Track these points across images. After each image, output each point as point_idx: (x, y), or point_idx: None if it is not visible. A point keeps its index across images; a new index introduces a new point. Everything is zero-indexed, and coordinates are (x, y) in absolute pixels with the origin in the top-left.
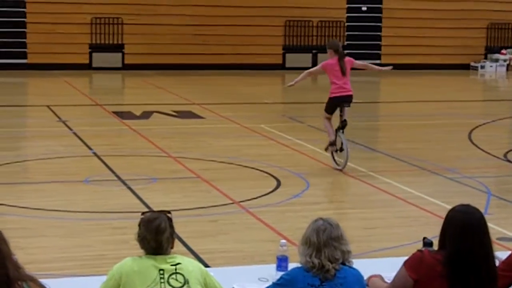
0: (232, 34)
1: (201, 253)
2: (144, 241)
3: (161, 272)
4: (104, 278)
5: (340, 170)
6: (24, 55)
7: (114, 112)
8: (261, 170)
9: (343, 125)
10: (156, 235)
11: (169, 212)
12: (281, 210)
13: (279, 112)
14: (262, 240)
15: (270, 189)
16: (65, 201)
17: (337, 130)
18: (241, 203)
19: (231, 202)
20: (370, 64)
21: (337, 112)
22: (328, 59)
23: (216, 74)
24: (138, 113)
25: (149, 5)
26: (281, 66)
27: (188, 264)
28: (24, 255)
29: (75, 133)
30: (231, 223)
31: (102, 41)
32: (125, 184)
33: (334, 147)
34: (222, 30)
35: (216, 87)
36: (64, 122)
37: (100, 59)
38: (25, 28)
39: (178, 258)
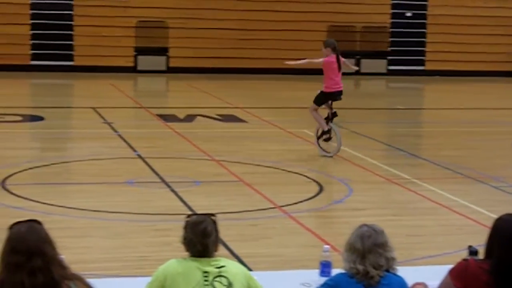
0: (276, 38)
1: (243, 256)
2: (190, 244)
3: (206, 274)
4: (147, 279)
5: (331, 156)
6: (70, 58)
7: (158, 115)
8: (303, 175)
9: (333, 115)
10: (202, 238)
11: (213, 215)
12: (323, 215)
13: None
14: (303, 245)
15: (312, 194)
16: (109, 202)
17: (327, 120)
18: (283, 208)
19: (273, 206)
20: (347, 63)
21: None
22: (325, 57)
23: (259, 79)
24: (182, 116)
25: (194, 9)
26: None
27: (232, 267)
28: (69, 255)
29: (120, 135)
30: (273, 227)
31: (147, 45)
32: (168, 186)
33: (327, 135)
34: (266, 35)
35: (259, 92)
36: (109, 124)
37: (145, 62)
38: (72, 30)
39: (222, 261)
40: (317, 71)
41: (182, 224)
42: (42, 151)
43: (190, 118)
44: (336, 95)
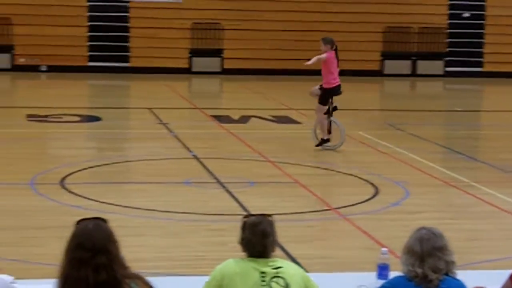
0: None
1: (298, 258)
2: (249, 244)
3: (263, 275)
4: (203, 278)
5: (333, 149)
6: (127, 59)
7: (213, 116)
8: (359, 177)
9: (334, 109)
10: (262, 239)
11: (270, 215)
12: (379, 218)
13: (378, 119)
14: (359, 247)
15: (368, 197)
16: (165, 202)
17: (328, 115)
18: (338, 210)
19: (328, 208)
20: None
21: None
22: (325, 53)
23: (314, 80)
24: (236, 117)
25: (249, 11)
26: (379, 73)
27: (290, 268)
28: (125, 253)
29: (175, 136)
30: (328, 229)
31: (202, 46)
32: (223, 186)
33: (327, 143)
34: (321, 36)
35: None
36: (165, 125)
37: (199, 63)
38: (129, 32)
39: (279, 262)
40: (370, 73)
41: (237, 224)
42: (99, 151)
43: (244, 119)
44: (337, 90)
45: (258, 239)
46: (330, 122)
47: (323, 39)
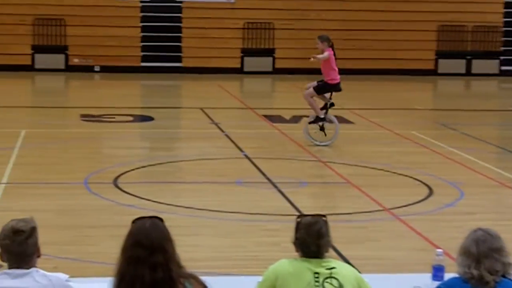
0: (382, 39)
1: (350, 259)
2: (303, 245)
3: (316, 275)
4: (257, 278)
5: (323, 145)
6: (179, 59)
7: (264, 116)
8: (412, 178)
9: (331, 105)
10: (317, 239)
11: (324, 216)
12: (433, 219)
13: (431, 118)
14: (413, 248)
15: (422, 197)
16: (218, 202)
17: (325, 110)
18: (392, 210)
19: (381, 209)
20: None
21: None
22: (322, 51)
23: (365, 79)
24: (288, 117)
25: (301, 10)
26: (434, 72)
27: (343, 269)
28: (181, 252)
29: (227, 135)
30: (381, 230)
31: (254, 46)
32: (275, 186)
33: (322, 122)
34: (372, 35)
35: (365, 93)
36: (216, 125)
37: (251, 63)
38: (181, 33)
39: (333, 262)
40: (424, 72)
41: (290, 224)
42: (152, 151)
43: (296, 119)
44: (339, 86)
45: (313, 239)
46: (325, 118)
47: (320, 37)
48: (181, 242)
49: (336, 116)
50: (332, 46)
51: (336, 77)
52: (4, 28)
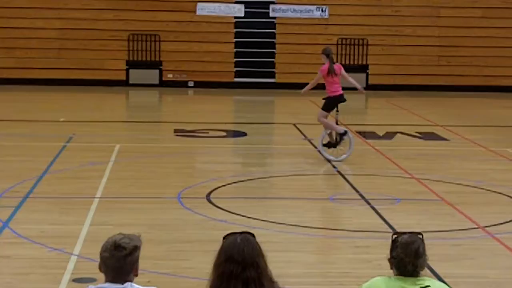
0: (476, 55)
1: (445, 277)
2: (400, 263)
3: None
4: None
5: (340, 160)
6: (272, 75)
7: (358, 132)
8: (507, 196)
9: (337, 119)
10: (415, 259)
11: (421, 234)
12: None
13: None
14: (508, 267)
15: None
16: (310, 218)
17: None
18: (487, 228)
19: (475, 226)
20: (350, 78)
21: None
22: (323, 64)
23: (460, 96)
24: (381, 134)
25: (394, 26)
26: None
27: (438, 287)
28: (273, 268)
29: (319, 152)
30: (476, 248)
31: (347, 62)
32: (368, 203)
33: (344, 138)
34: (466, 51)
35: (460, 109)
36: (309, 140)
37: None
38: (274, 48)
39: (427, 281)
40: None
41: (383, 242)
42: (245, 166)
43: (389, 135)
44: (342, 97)
45: (410, 258)
46: (346, 131)
47: (322, 51)
48: (273, 258)
49: (430, 133)
50: (331, 59)
51: (338, 89)
52: (100, 43)
